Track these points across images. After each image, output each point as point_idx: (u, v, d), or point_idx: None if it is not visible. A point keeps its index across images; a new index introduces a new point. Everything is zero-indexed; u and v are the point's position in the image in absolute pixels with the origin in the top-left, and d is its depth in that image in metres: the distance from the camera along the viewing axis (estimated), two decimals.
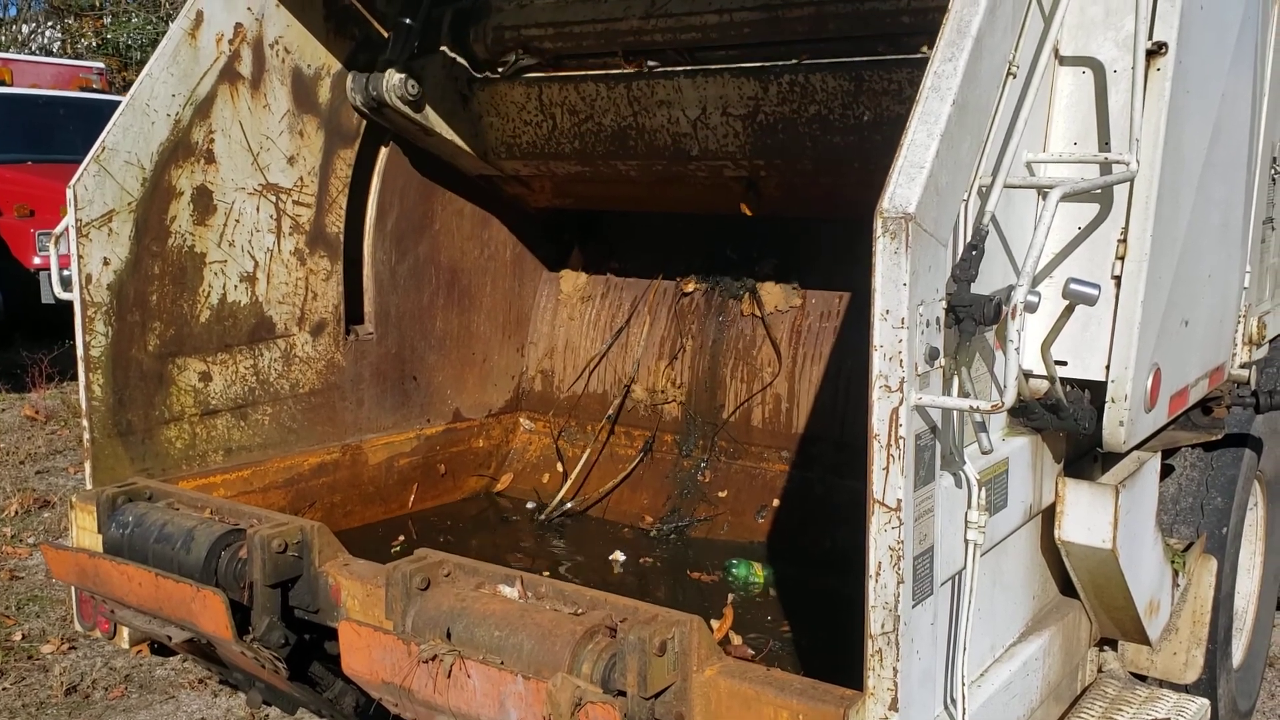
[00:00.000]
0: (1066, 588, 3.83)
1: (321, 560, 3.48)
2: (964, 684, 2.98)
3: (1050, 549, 3.67)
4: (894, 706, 2.64)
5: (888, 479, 2.58)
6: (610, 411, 5.72)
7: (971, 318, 2.75)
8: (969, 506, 2.89)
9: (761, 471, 5.38)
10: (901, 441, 2.55)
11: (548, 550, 5.12)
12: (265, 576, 3.40)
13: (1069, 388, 3.38)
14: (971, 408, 2.69)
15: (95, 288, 4.10)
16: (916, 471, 2.63)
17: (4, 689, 5.68)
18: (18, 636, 6.31)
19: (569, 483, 5.59)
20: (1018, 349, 2.69)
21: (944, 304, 2.69)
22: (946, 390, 2.83)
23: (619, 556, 4.83)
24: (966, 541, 2.91)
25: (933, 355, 2.62)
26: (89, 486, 4.14)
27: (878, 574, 2.64)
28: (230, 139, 4.50)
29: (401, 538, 5.05)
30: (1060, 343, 3.27)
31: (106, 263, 4.12)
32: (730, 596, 3.59)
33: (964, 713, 2.98)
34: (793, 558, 4.83)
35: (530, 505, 5.58)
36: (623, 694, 2.71)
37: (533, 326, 6.06)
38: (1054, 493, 3.59)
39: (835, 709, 2.62)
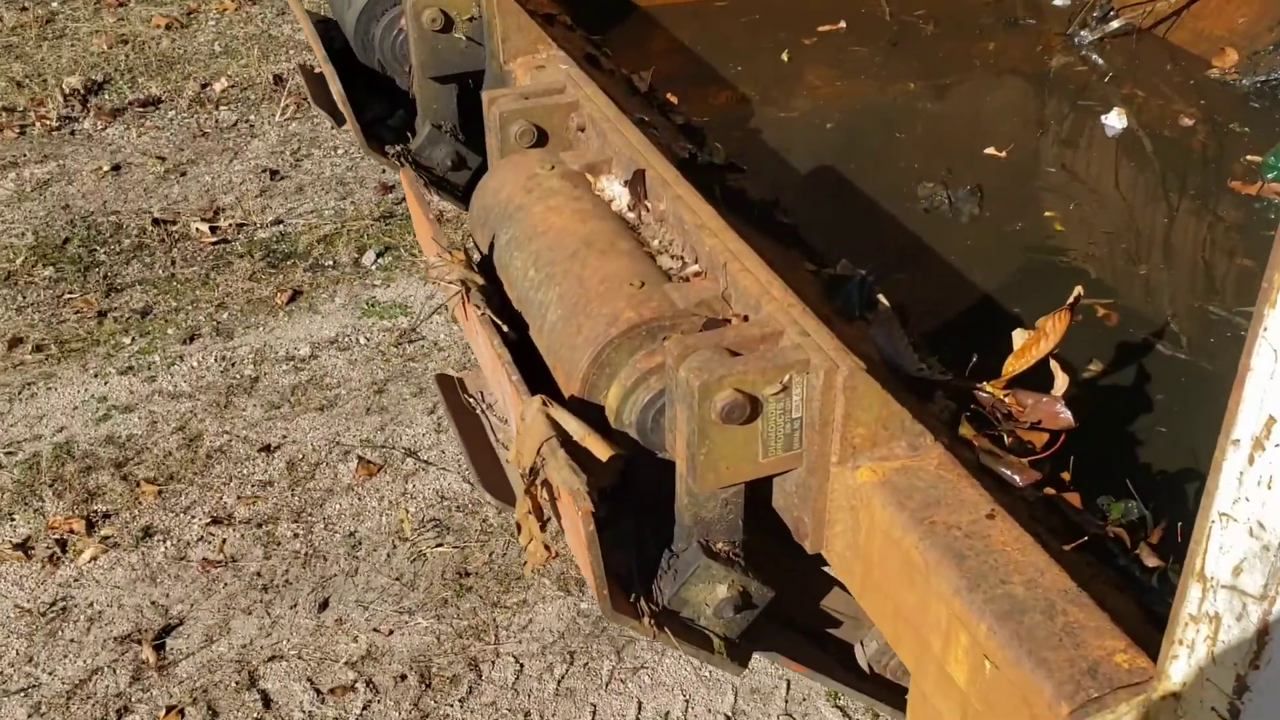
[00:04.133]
0: None
1: (508, 54, 2.25)
2: None
3: None
4: None
5: None
6: None
7: None
8: None
9: None
10: None
11: (1053, 87, 3.34)
12: (423, 65, 2.28)
13: None
14: None
15: None
16: None
17: None
18: None
19: None
20: None
21: None
22: None
23: (1115, 122, 2.96)
24: None
25: None
26: None
27: None
28: None
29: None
30: None
31: None
32: (1078, 290, 1.72)
33: None
34: None
35: (1059, 2, 3.67)
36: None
37: None
38: None
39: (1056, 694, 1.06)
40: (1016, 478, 1.39)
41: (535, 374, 1.55)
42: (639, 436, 1.40)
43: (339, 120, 2.62)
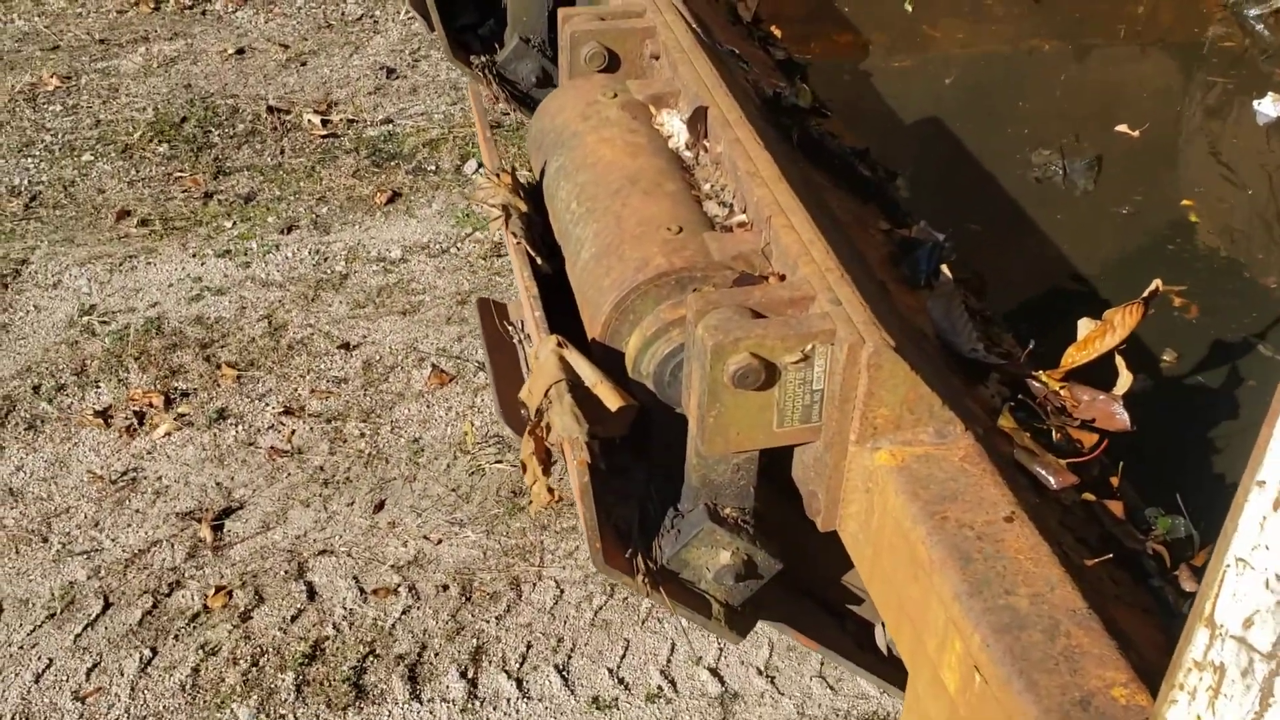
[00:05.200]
0: None
1: None
2: None
3: None
4: None
5: None
6: None
7: None
8: None
9: None
10: None
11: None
12: None
13: None
14: None
15: None
16: None
17: None
18: None
19: None
20: None
21: None
22: None
23: (1269, 109, 2.75)
24: None
25: None
26: None
27: None
28: None
29: None
30: None
31: None
32: (1157, 283, 1.54)
33: None
34: None
35: None
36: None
37: None
38: None
39: None
40: (1051, 479, 1.30)
41: (571, 311, 1.51)
42: (655, 389, 1.34)
43: (430, 25, 2.57)
